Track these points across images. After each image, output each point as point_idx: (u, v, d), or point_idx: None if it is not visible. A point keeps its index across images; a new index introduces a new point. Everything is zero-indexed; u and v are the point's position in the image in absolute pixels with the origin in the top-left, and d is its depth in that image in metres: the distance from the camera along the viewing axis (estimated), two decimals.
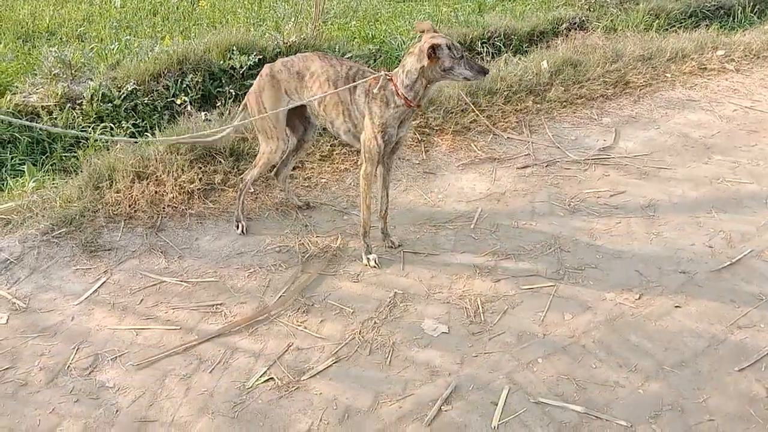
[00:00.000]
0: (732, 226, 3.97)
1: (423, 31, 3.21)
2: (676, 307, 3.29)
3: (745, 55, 6.74)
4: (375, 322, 3.10)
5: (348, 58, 6.08)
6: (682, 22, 8.02)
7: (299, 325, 3.06)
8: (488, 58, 6.37)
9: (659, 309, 3.27)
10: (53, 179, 4.19)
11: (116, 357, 2.83)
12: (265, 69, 3.50)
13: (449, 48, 3.08)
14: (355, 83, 3.26)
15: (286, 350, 2.91)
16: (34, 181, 4.10)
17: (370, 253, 3.52)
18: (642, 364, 2.93)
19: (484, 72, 3.17)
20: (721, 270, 3.58)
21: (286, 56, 5.87)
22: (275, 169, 3.91)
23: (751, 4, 8.80)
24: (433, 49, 3.04)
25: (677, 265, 3.62)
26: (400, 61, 3.30)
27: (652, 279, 3.49)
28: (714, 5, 8.66)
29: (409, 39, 6.56)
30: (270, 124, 3.47)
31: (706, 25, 7.93)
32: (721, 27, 8.10)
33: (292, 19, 6.55)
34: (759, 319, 3.23)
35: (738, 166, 4.68)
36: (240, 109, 3.70)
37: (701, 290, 3.42)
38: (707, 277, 3.53)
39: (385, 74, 3.20)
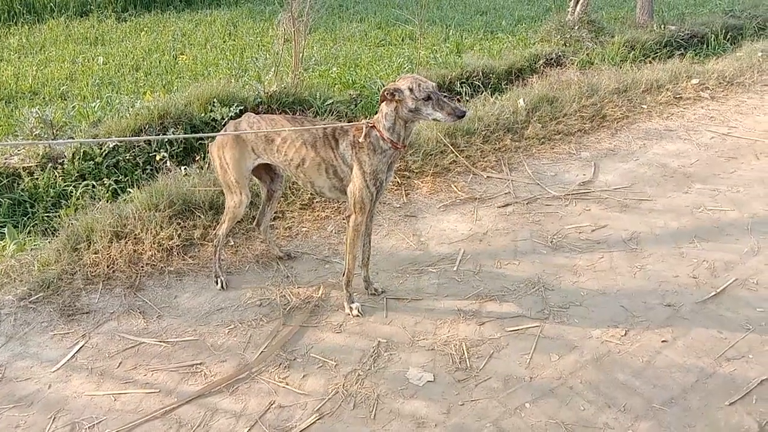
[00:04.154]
0: (715, 255, 3.96)
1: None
2: (663, 341, 3.26)
3: (720, 83, 6.85)
4: (359, 375, 3.05)
5: (329, 103, 6.15)
6: (657, 53, 8.18)
7: (281, 382, 3.00)
8: (467, 98, 6.45)
9: (646, 345, 3.24)
10: (34, 241, 4.16)
11: (94, 425, 2.76)
12: (230, 126, 3.51)
13: (410, 90, 3.09)
14: (324, 133, 3.29)
15: (268, 409, 2.85)
16: (14, 244, 4.07)
17: (353, 302, 3.48)
18: (631, 403, 2.89)
19: (457, 115, 3.07)
20: (706, 301, 3.56)
21: (268, 107, 5.99)
22: (256, 220, 3.90)
23: (724, 31, 8.99)
24: (392, 93, 3.10)
25: (662, 298, 3.59)
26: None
27: (638, 314, 3.46)
28: (687, 34, 8.85)
29: (389, 82, 6.62)
30: (232, 179, 3.47)
31: (681, 54, 8.09)
32: (695, 55, 8.27)
33: (273, 69, 6.63)
34: (747, 350, 3.20)
35: (718, 194, 4.71)
36: None
37: (687, 323, 3.39)
38: (693, 308, 3.50)
39: (367, 122, 3.23)
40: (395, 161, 3.35)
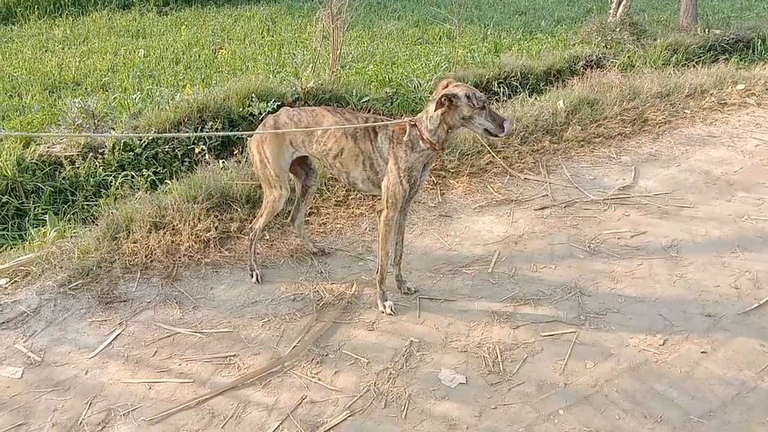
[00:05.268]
0: (758, 266, 3.85)
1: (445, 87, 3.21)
2: (702, 352, 3.18)
3: (766, 89, 6.65)
4: (390, 373, 3.04)
5: (365, 101, 6.15)
6: (700, 57, 7.99)
7: (313, 377, 3.01)
8: (504, 99, 6.38)
9: (685, 355, 3.16)
10: (74, 229, 4.25)
11: (129, 412, 2.80)
12: (269, 120, 3.52)
13: (468, 97, 3.09)
14: (364, 127, 3.30)
15: (300, 403, 2.86)
16: (55, 231, 4.15)
17: (386, 300, 3.47)
18: (668, 415, 2.82)
19: (503, 128, 3.13)
20: (748, 312, 3.47)
21: (305, 102, 6.02)
22: (290, 216, 3.92)
23: None
24: (449, 99, 3.08)
25: (702, 308, 3.51)
26: (424, 105, 3.32)
27: (677, 323, 3.38)
28: (733, 38, 8.62)
29: (425, 81, 6.61)
30: (272, 174, 3.48)
31: (725, 59, 7.89)
32: (741, 60, 8.05)
33: (310, 65, 6.66)
34: None
35: (762, 203, 4.58)
36: None
37: (728, 334, 3.30)
38: (734, 320, 3.41)
39: (410, 121, 3.23)
40: (431, 162, 3.33)
